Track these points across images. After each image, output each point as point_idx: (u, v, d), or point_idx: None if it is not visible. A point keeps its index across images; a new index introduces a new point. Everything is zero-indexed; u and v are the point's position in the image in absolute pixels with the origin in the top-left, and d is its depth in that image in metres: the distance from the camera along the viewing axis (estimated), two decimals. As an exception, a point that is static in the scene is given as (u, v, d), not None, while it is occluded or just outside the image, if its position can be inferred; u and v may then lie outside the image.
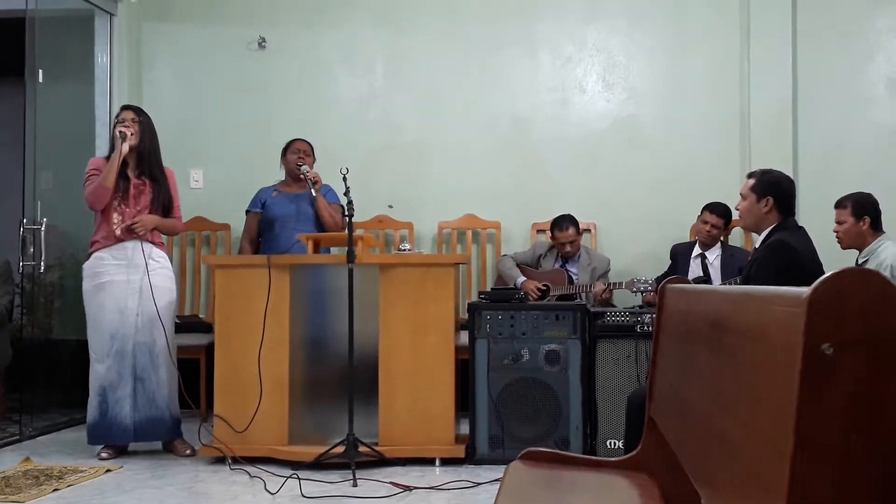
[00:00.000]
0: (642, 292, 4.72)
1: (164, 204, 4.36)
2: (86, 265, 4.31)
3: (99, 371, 4.20)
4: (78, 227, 5.59)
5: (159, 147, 4.42)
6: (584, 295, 5.00)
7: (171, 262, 4.49)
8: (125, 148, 4.23)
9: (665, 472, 2.25)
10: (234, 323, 4.17)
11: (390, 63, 5.82)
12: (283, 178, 5.03)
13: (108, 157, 4.35)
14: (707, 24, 5.58)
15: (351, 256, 3.92)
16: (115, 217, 4.25)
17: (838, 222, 4.30)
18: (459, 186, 5.66)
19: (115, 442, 4.25)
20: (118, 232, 4.24)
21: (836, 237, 4.32)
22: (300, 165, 4.77)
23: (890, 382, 0.97)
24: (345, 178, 4.13)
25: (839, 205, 4.32)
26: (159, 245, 4.39)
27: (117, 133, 4.25)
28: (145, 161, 4.32)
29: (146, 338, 4.21)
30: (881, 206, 4.30)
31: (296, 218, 4.82)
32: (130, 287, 4.21)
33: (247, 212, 5.03)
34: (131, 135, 4.26)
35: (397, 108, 5.78)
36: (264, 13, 5.86)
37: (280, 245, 4.75)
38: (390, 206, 5.67)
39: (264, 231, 4.94)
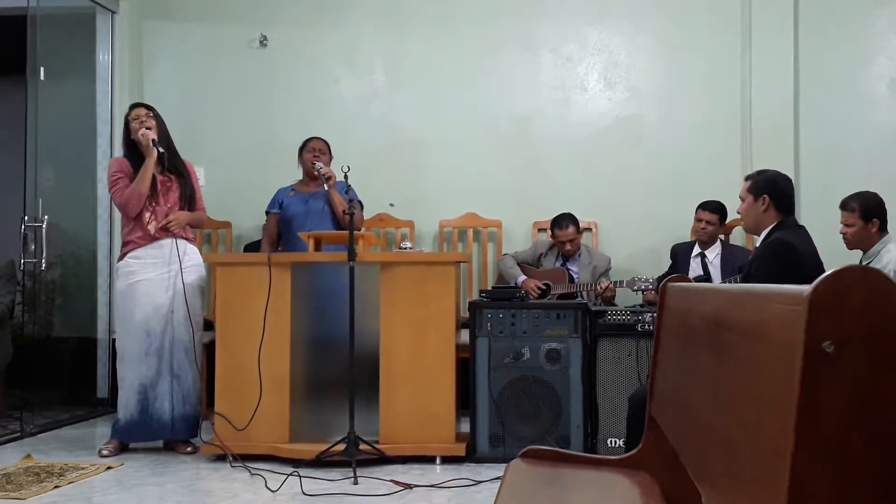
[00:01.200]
0: (643, 291, 4.72)
1: (189, 197, 4.42)
2: (119, 265, 4.34)
3: (138, 369, 4.23)
4: (79, 225, 5.60)
5: (172, 140, 4.47)
6: (584, 293, 5.00)
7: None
8: (155, 152, 4.26)
9: (666, 470, 2.25)
10: (235, 321, 4.18)
11: (391, 62, 5.82)
12: (301, 177, 5.02)
13: (125, 157, 4.38)
14: (708, 24, 5.58)
15: (352, 254, 3.92)
16: (147, 215, 4.29)
17: (846, 224, 4.23)
18: (460, 185, 5.66)
19: (154, 439, 4.30)
20: (153, 230, 4.28)
21: (844, 238, 4.27)
22: (314, 164, 4.78)
23: (890, 380, 0.98)
24: (346, 176, 4.14)
25: (844, 206, 4.24)
26: (191, 241, 4.46)
27: (148, 141, 4.25)
28: (166, 156, 4.35)
29: (181, 335, 4.27)
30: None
31: (309, 216, 4.82)
32: (166, 284, 4.26)
33: (266, 212, 5.03)
34: (149, 129, 4.30)
35: (398, 106, 5.78)
36: (266, 12, 5.86)
37: (297, 244, 4.75)
38: (391, 205, 5.67)
39: (283, 231, 4.95)
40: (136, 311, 4.24)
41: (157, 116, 4.39)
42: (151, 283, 4.25)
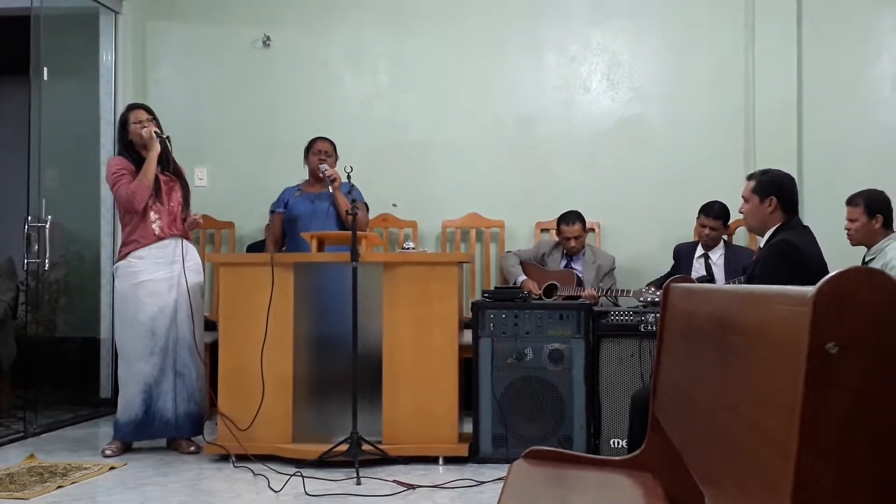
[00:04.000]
0: (652, 303, 4.65)
1: (187, 199, 4.49)
2: (120, 265, 4.34)
3: (142, 369, 4.24)
4: (82, 225, 5.61)
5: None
6: (589, 294, 4.96)
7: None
8: (158, 145, 4.30)
9: (669, 471, 2.25)
10: (238, 321, 4.18)
11: (395, 62, 5.82)
12: (307, 177, 5.02)
13: (124, 156, 4.38)
14: (712, 24, 5.58)
15: (355, 255, 3.92)
16: (153, 215, 4.31)
17: (850, 220, 4.26)
18: (463, 185, 5.66)
19: (158, 437, 4.33)
20: (157, 230, 4.30)
21: (847, 234, 4.29)
22: (319, 167, 4.78)
23: (895, 381, 0.97)
24: (349, 176, 4.14)
25: (850, 202, 4.27)
26: (191, 241, 4.51)
27: (152, 133, 4.29)
28: (163, 157, 4.38)
29: (185, 333, 4.29)
30: (887, 206, 4.28)
31: (314, 216, 4.82)
32: (170, 284, 4.29)
33: (271, 212, 5.04)
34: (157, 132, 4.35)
35: (402, 107, 5.78)
36: (269, 12, 5.86)
37: (301, 244, 4.76)
38: (394, 205, 5.67)
39: (288, 230, 4.95)
40: (141, 311, 4.25)
41: (157, 120, 4.42)
42: (156, 282, 4.27)
